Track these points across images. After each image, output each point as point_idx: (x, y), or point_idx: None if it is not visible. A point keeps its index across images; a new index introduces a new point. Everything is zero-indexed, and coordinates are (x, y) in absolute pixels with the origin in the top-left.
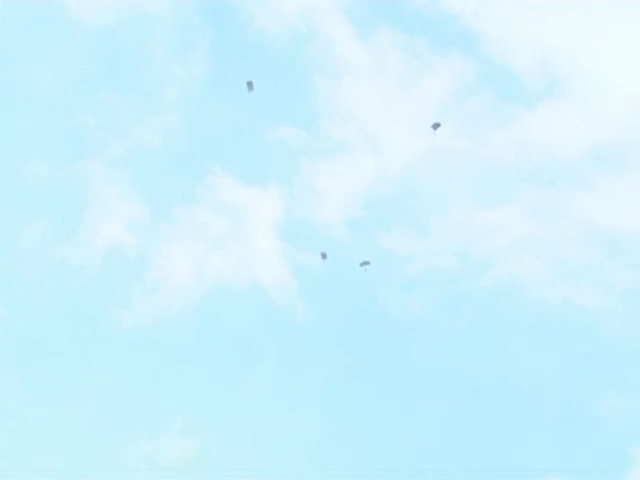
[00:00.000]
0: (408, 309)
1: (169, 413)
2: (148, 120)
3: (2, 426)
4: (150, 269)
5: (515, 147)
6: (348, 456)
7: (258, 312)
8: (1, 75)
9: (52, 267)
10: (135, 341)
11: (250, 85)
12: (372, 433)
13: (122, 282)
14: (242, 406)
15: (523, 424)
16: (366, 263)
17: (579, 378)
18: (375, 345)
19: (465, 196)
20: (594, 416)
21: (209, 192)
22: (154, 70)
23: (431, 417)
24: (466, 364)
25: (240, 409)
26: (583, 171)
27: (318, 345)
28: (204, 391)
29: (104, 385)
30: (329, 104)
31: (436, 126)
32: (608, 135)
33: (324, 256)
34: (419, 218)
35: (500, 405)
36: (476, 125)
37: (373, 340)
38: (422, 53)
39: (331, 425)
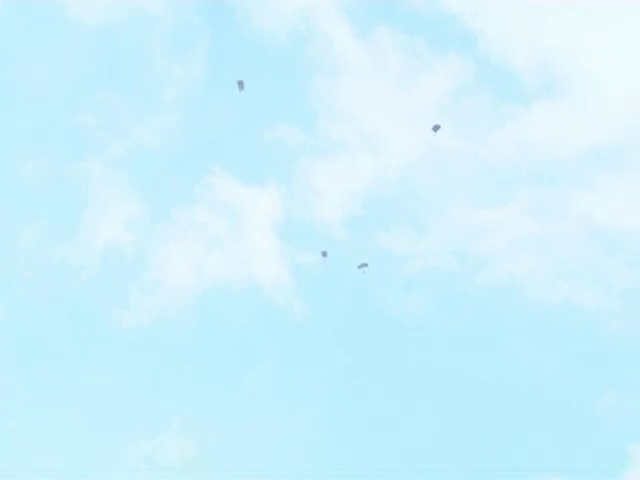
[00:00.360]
0: (406, 308)
1: (168, 413)
2: (147, 120)
3: (2, 426)
4: (149, 269)
5: (513, 146)
6: (347, 456)
7: (256, 311)
8: (1, 75)
9: (51, 267)
10: (134, 340)
11: (241, 84)
12: (371, 432)
13: (121, 282)
14: (241, 405)
15: (522, 424)
16: (364, 265)
17: (578, 377)
18: (373, 344)
19: (463, 196)
20: (593, 415)
21: (208, 192)
22: (153, 70)
23: (430, 417)
24: (465, 363)
25: (239, 408)
26: (582, 170)
27: (316, 344)
28: (203, 390)
29: (103, 385)
30: (328, 103)
31: (436, 128)
32: (607, 134)
33: (324, 254)
34: (418, 217)
35: (499, 405)
36: (475, 125)
37: (371, 339)
38: (421, 53)
39: (330, 424)
